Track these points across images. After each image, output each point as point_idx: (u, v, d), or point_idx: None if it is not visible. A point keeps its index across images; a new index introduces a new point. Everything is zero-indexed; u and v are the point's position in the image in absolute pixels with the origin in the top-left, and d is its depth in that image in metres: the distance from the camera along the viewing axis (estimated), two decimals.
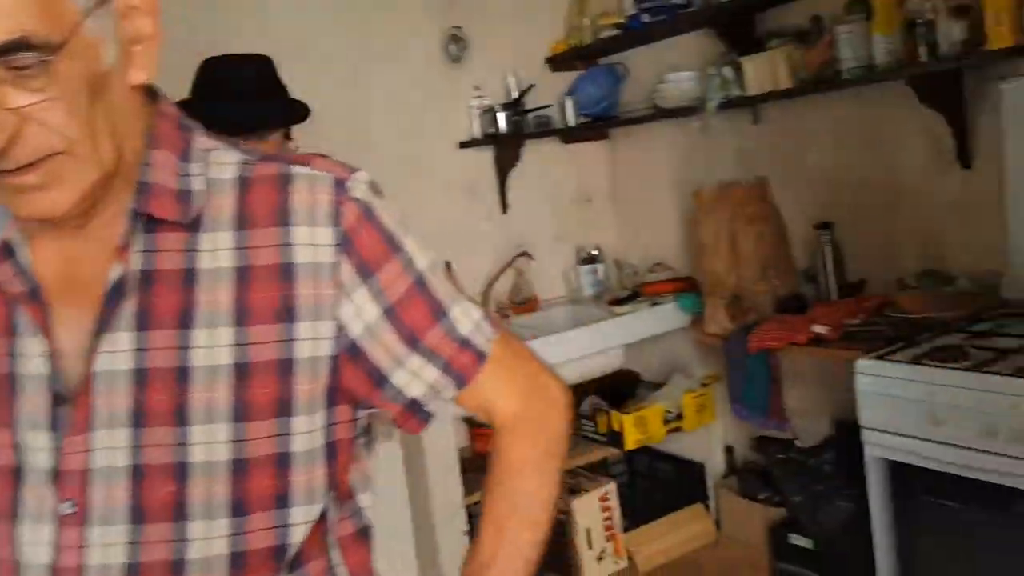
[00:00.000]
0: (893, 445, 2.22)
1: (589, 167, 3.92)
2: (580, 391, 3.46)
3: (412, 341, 0.90)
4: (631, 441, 3.22)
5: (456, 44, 3.56)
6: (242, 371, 0.82)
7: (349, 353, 0.87)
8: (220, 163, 0.86)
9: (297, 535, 0.86)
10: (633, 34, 3.45)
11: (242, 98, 1.91)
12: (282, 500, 0.84)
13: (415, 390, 0.92)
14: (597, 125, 3.76)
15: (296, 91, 2.09)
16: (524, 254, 3.57)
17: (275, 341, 0.83)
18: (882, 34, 2.55)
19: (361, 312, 0.87)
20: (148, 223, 0.82)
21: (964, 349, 2.20)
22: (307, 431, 0.85)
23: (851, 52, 2.63)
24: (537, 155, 3.75)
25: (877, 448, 2.27)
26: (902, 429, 2.19)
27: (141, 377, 0.80)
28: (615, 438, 3.24)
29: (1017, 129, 2.47)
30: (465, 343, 0.93)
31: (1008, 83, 2.46)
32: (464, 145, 3.58)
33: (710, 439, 3.47)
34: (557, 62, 3.77)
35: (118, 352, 0.80)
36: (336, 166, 0.89)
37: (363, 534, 0.97)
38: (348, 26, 3.32)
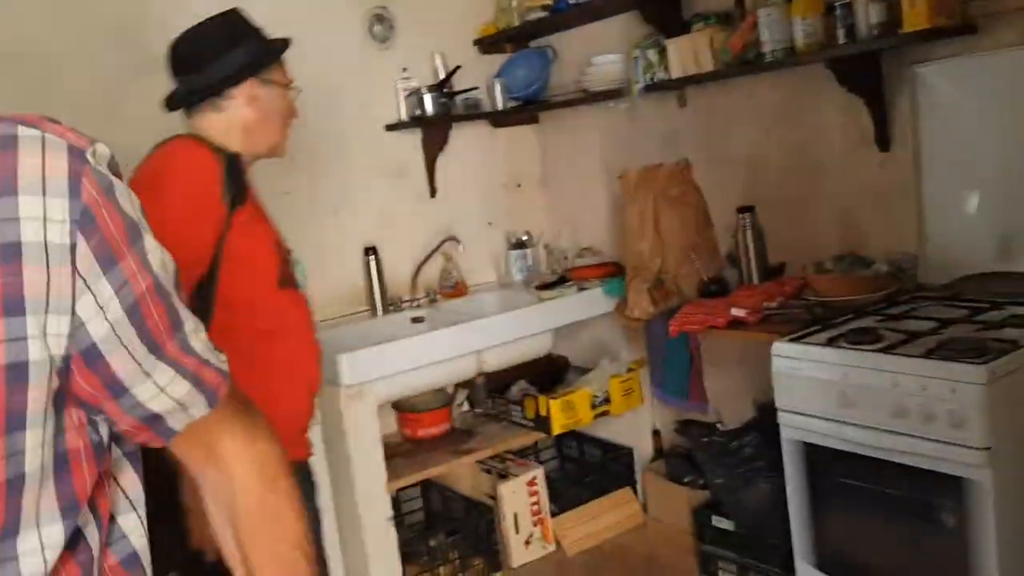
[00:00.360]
0: (808, 427, 2.23)
1: (519, 151, 3.89)
2: (508, 376, 3.44)
3: (156, 349, 0.78)
4: (558, 426, 3.20)
5: (382, 24, 3.50)
6: None
7: (86, 357, 0.74)
8: None
9: (31, 569, 0.73)
10: (561, 16, 3.41)
11: (201, 65, 1.88)
12: (10, 530, 0.71)
13: (159, 405, 0.80)
14: (527, 109, 3.73)
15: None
16: (452, 239, 3.53)
17: (0, 339, 0.68)
18: (802, 17, 2.55)
19: (105, 309, 0.74)
20: None
21: (878, 331, 2.22)
22: (39, 445, 0.72)
23: (772, 35, 2.63)
24: (466, 139, 3.71)
25: (792, 430, 2.28)
26: (816, 410, 2.20)
27: None
28: (543, 423, 3.22)
29: (932, 113, 2.50)
30: (204, 360, 0.84)
31: (923, 67, 2.49)
32: (391, 128, 3.52)
33: (638, 423, 3.48)
34: (486, 44, 3.73)
35: None
36: (72, 132, 0.75)
37: (130, 564, 0.85)
38: (271, 4, 3.22)
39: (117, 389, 0.77)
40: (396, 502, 3.32)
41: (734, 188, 3.02)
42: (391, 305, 3.43)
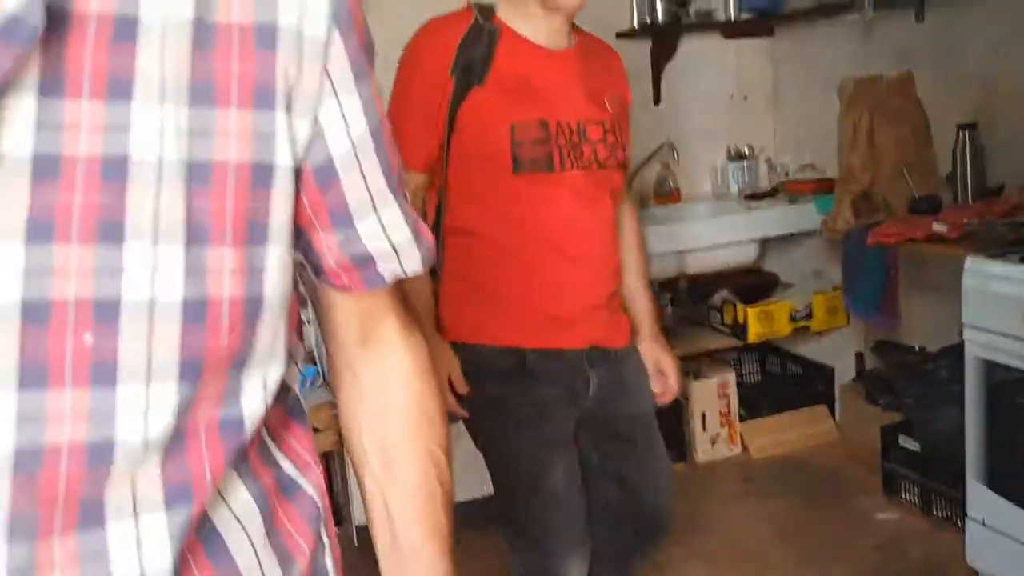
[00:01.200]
0: (992, 344, 2.20)
1: (749, 64, 3.87)
2: (714, 284, 3.53)
3: (391, 182, 0.69)
4: (754, 334, 3.27)
5: None
6: (201, 173, 0.55)
7: (319, 174, 0.64)
8: None
9: (253, 408, 0.62)
10: None
11: None
12: (239, 361, 0.60)
13: (377, 246, 0.70)
14: (761, 20, 3.70)
15: None
16: (668, 146, 3.63)
17: (248, 134, 0.57)
18: None
19: (352, 122, 0.64)
20: None
21: None
22: (281, 267, 0.61)
23: None
24: (695, 49, 3.74)
25: (977, 347, 2.25)
26: (1001, 328, 2.15)
27: (47, 167, 0.50)
28: (740, 330, 3.30)
29: None
30: (418, 217, 0.74)
31: None
32: (621, 35, 3.63)
33: (841, 343, 3.47)
34: None
35: (12, 127, 0.49)
36: None
37: (295, 411, 0.76)
38: None
39: (341, 219, 0.66)
40: None
41: (962, 106, 2.89)
42: None
